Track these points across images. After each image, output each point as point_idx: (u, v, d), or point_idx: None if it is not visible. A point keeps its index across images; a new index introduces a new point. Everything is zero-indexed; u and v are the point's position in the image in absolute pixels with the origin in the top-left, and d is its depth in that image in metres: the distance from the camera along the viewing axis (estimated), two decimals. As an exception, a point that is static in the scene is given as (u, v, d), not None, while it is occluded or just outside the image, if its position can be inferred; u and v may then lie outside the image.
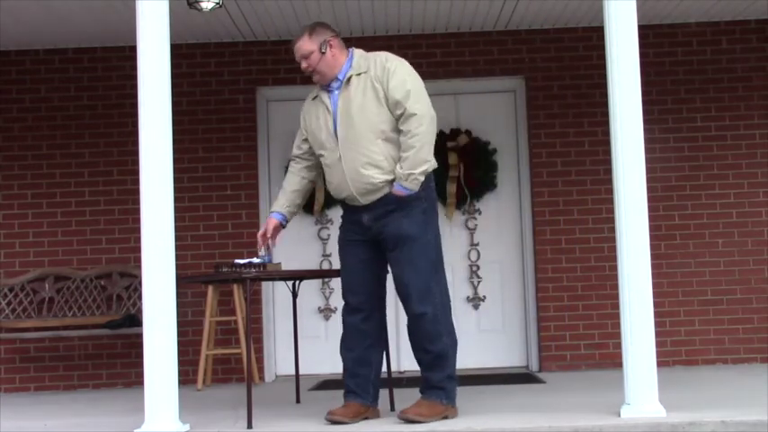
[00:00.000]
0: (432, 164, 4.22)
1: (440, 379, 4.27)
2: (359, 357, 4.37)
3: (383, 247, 4.28)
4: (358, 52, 4.35)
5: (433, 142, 4.22)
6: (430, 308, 4.24)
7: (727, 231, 6.82)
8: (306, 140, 4.48)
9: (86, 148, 6.93)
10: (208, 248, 6.82)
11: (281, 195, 4.53)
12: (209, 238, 6.84)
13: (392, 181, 4.19)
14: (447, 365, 4.29)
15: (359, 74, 4.24)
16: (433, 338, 4.26)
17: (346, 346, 4.41)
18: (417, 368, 4.23)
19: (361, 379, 4.35)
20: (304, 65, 4.31)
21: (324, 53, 4.27)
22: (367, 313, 4.38)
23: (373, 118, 4.19)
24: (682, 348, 6.71)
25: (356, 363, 4.37)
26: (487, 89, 7.07)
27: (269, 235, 4.49)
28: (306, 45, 4.29)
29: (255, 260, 4.55)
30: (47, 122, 6.96)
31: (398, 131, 4.19)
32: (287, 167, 6.82)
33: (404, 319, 6.70)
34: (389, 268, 4.35)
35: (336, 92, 4.29)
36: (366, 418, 4.33)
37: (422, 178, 4.18)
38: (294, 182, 4.54)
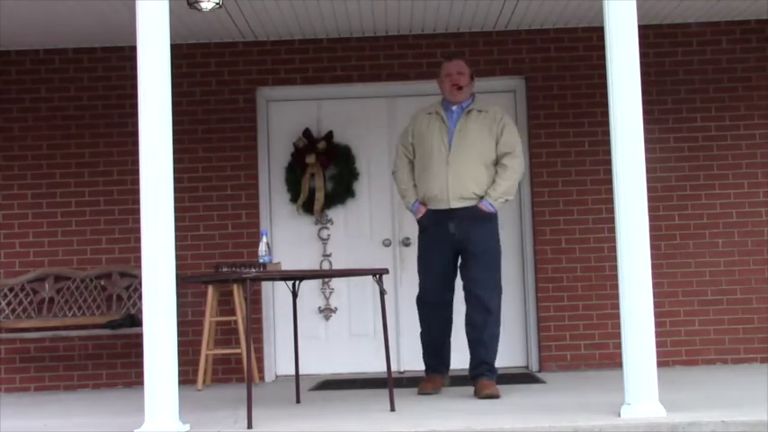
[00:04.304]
0: (513, 197, 5.42)
1: (493, 361, 5.27)
2: (442, 341, 5.43)
3: (462, 249, 5.29)
4: (478, 96, 5.54)
5: (517, 184, 5.39)
6: (496, 302, 5.29)
7: (727, 231, 6.82)
8: (412, 143, 5.49)
9: (86, 148, 6.93)
10: (208, 248, 6.82)
11: (411, 189, 5.48)
12: (209, 238, 6.84)
13: (480, 198, 5.26)
14: (496, 347, 5.31)
15: (480, 111, 5.39)
16: (496, 325, 5.28)
17: (432, 335, 5.44)
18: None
19: (443, 358, 5.47)
20: (456, 78, 5.40)
21: (471, 80, 5.48)
22: (449, 309, 5.45)
23: (483, 148, 5.31)
24: (682, 348, 6.71)
25: (442, 345, 5.43)
26: (487, 89, 7.03)
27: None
28: (464, 67, 5.47)
29: None
30: (47, 122, 6.96)
31: (493, 165, 5.32)
32: (287, 167, 7.03)
33: (404, 319, 6.74)
34: (468, 266, 5.30)
35: (455, 115, 5.40)
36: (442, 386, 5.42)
37: (503, 203, 5.32)
38: (411, 176, 5.50)
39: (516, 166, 5.32)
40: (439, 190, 5.27)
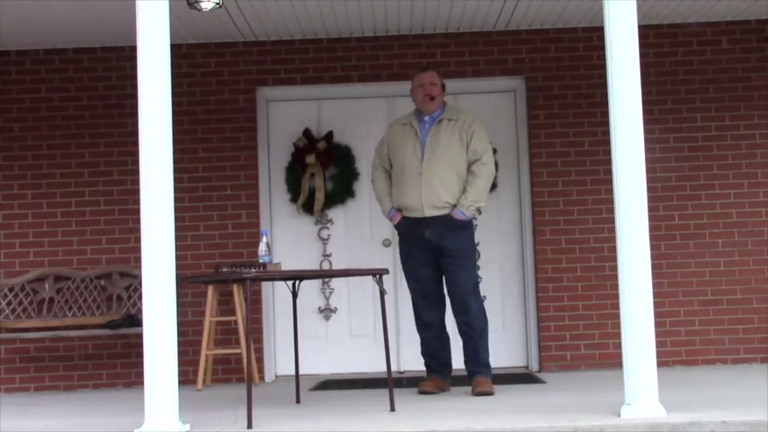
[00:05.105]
0: (484, 203, 5.49)
1: (486, 358, 5.43)
2: (440, 340, 5.54)
3: (439, 253, 5.43)
4: (450, 104, 5.67)
5: (488, 189, 5.51)
6: (474, 299, 5.44)
7: (727, 231, 6.82)
8: (387, 154, 5.63)
9: (86, 148, 6.93)
10: (208, 248, 6.82)
11: (386, 197, 5.61)
12: (209, 238, 6.84)
13: (453, 206, 5.38)
14: (486, 344, 5.45)
15: (450, 119, 5.51)
16: (478, 320, 5.42)
17: (428, 339, 5.56)
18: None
19: (442, 359, 5.57)
20: (429, 89, 5.52)
21: (443, 90, 5.59)
22: (440, 308, 5.59)
23: (454, 158, 5.43)
24: (682, 348, 6.71)
25: (438, 345, 5.53)
26: (487, 89, 7.07)
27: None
28: (436, 77, 5.58)
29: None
30: (47, 122, 6.96)
31: (466, 172, 5.43)
32: (287, 167, 7.03)
33: (404, 319, 6.74)
34: (446, 269, 5.46)
35: (427, 126, 5.53)
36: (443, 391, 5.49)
37: (475, 210, 5.45)
38: (387, 185, 5.63)
39: (484, 173, 5.44)
40: (413, 200, 5.42)
